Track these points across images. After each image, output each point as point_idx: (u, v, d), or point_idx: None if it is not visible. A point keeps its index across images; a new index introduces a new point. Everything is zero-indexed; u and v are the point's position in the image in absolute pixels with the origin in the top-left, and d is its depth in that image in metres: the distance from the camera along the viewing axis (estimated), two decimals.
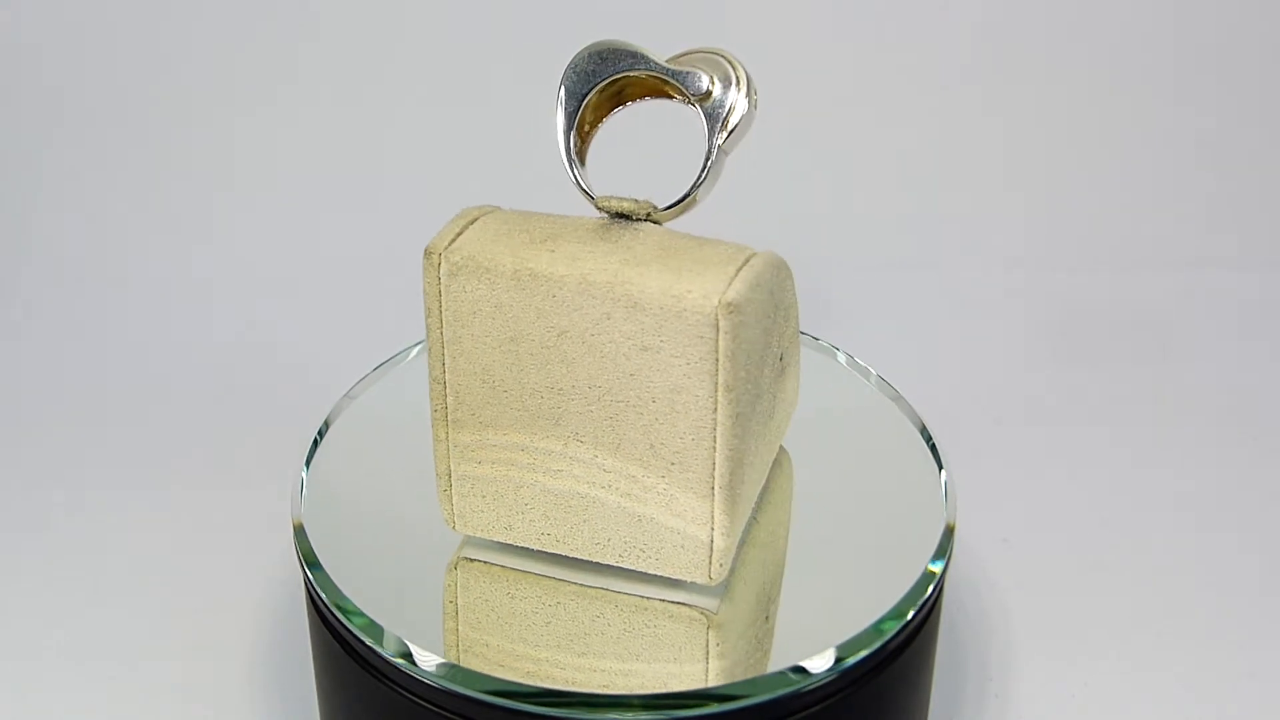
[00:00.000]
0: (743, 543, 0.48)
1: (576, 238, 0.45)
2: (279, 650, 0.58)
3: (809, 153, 0.77)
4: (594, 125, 0.47)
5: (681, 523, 0.45)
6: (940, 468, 0.51)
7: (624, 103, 0.47)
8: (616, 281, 0.43)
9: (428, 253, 0.44)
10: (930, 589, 0.46)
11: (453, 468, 0.47)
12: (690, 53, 0.45)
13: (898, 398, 0.54)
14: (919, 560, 0.47)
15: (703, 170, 0.45)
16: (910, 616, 0.45)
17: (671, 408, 0.43)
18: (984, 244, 0.77)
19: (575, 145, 0.46)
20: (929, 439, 0.52)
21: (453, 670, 0.44)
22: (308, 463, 0.51)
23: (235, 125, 0.77)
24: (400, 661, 0.44)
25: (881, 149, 0.78)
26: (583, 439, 0.45)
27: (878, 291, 0.75)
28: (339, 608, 0.45)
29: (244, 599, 0.60)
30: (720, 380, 0.42)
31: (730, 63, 0.45)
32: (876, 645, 0.45)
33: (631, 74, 0.46)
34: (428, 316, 0.45)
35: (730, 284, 0.42)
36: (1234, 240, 0.77)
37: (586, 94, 0.46)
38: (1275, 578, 0.61)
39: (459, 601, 0.46)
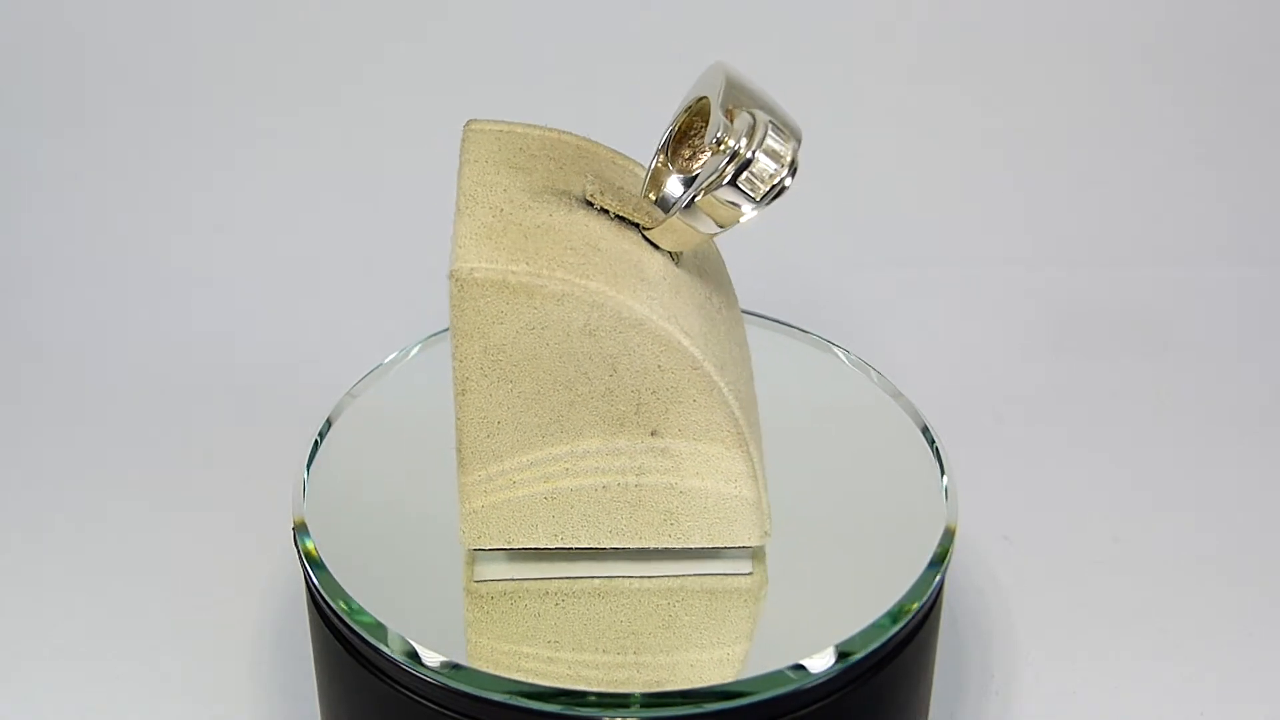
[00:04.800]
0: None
1: (540, 183, 0.46)
2: (279, 650, 0.58)
3: (808, 151, 0.77)
4: (695, 145, 0.47)
5: None
6: (941, 465, 0.51)
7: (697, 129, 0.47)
8: (462, 213, 0.45)
9: (467, 123, 0.49)
10: (931, 587, 0.46)
11: None
12: (769, 117, 0.43)
13: (899, 395, 0.54)
14: (920, 558, 0.47)
15: (671, 211, 0.44)
16: (911, 614, 0.46)
17: None
18: (983, 241, 0.77)
19: (670, 141, 0.46)
20: (930, 437, 0.52)
21: (457, 669, 0.44)
22: (309, 462, 0.51)
23: (236, 123, 0.77)
24: (404, 660, 0.44)
25: (881, 147, 0.78)
26: None
27: (877, 289, 0.75)
28: (342, 607, 0.45)
29: (244, 599, 0.60)
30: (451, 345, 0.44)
31: (750, 138, 0.42)
32: (877, 643, 0.45)
33: (704, 99, 0.45)
34: None
35: (484, 264, 0.43)
36: (1234, 235, 0.77)
37: (691, 104, 0.46)
38: (1276, 575, 0.61)
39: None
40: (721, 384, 0.44)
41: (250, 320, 0.74)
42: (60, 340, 0.73)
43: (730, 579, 0.47)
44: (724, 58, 0.47)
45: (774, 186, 0.42)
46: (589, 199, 0.46)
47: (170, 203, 0.77)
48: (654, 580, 0.47)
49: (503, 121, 0.49)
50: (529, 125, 0.49)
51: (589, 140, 0.49)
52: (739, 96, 0.44)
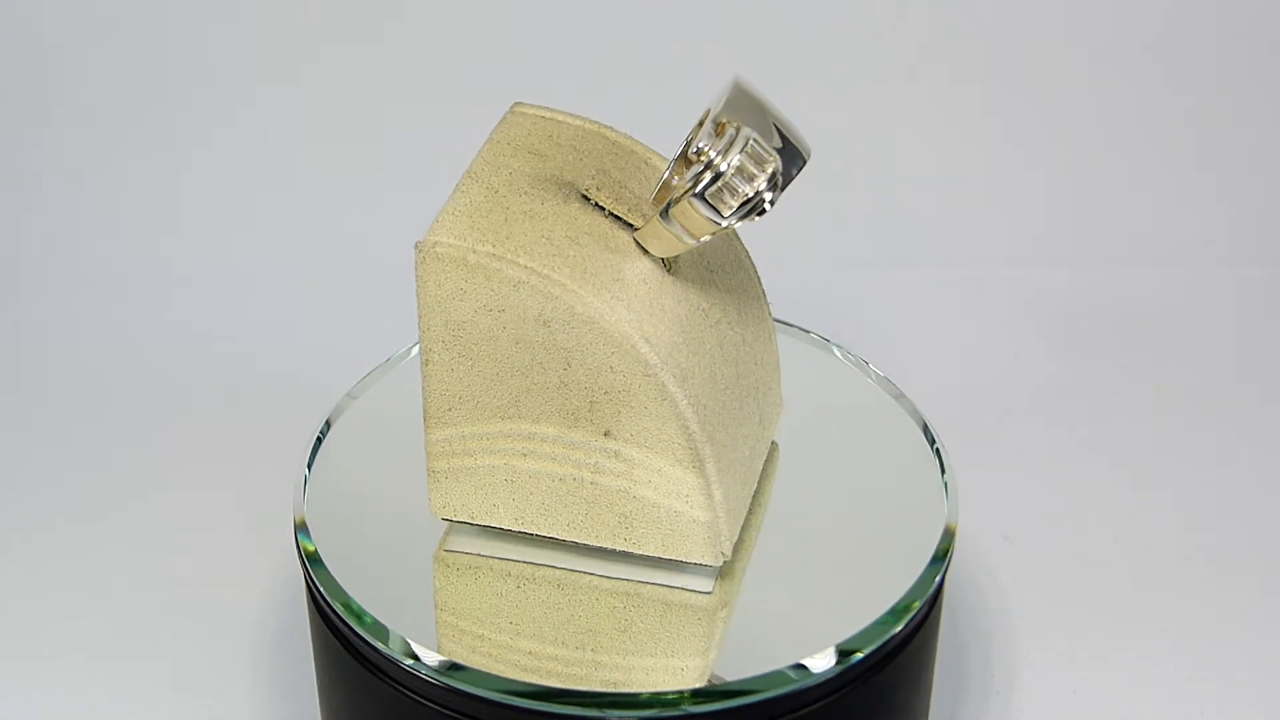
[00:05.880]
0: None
1: (549, 171, 0.46)
2: (279, 650, 0.58)
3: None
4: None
5: None
6: (941, 465, 0.51)
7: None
8: (458, 189, 0.45)
9: (513, 105, 0.49)
10: (932, 586, 0.46)
11: None
12: (754, 134, 0.42)
13: (899, 395, 0.54)
14: (920, 557, 0.47)
15: (652, 216, 0.44)
16: (911, 614, 0.45)
17: None
18: (983, 241, 0.77)
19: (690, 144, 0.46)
20: (930, 436, 0.52)
21: (457, 669, 0.44)
22: (310, 461, 0.51)
23: (235, 122, 0.77)
24: (404, 660, 0.44)
25: (881, 147, 0.78)
26: None
27: (878, 289, 0.75)
28: (342, 606, 0.46)
29: (244, 598, 0.60)
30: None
31: (726, 152, 0.42)
32: (878, 643, 0.45)
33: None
34: None
35: (451, 240, 0.43)
36: (1234, 235, 0.77)
37: (704, 117, 0.45)
38: (1277, 575, 0.61)
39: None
40: (679, 396, 0.44)
41: (250, 320, 0.74)
42: (60, 340, 0.73)
43: (689, 594, 0.46)
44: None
45: (746, 202, 0.42)
46: (585, 193, 0.46)
47: (170, 202, 0.77)
48: (612, 581, 0.47)
49: (547, 108, 0.49)
50: (571, 115, 0.48)
51: (629, 138, 0.48)
52: (743, 111, 0.43)
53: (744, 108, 0.43)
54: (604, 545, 0.46)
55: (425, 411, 0.46)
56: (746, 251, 0.50)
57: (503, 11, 0.76)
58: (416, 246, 0.44)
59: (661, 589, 0.46)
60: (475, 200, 0.45)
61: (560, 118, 0.48)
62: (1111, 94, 0.78)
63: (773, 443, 0.51)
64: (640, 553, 0.46)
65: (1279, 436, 0.68)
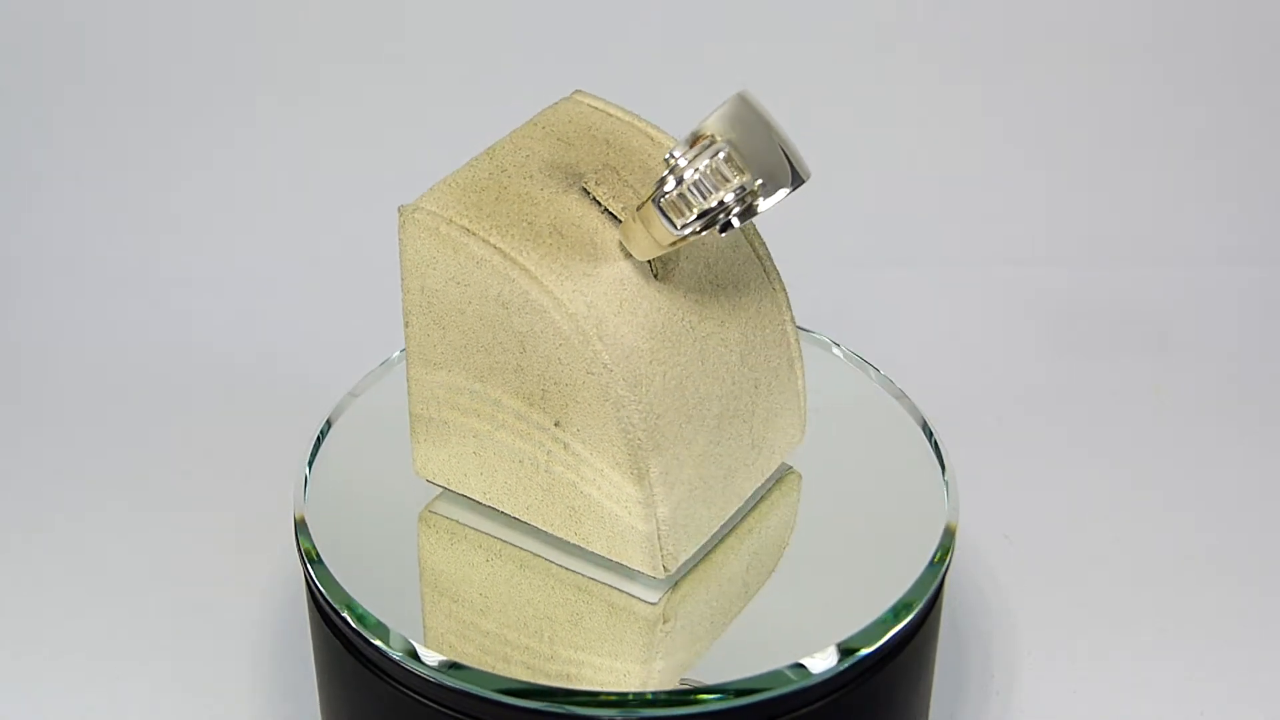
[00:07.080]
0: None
1: (567, 160, 0.46)
2: (279, 650, 0.58)
3: (806, 149, 0.77)
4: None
5: None
6: (942, 464, 0.51)
7: None
8: (469, 163, 0.46)
9: (574, 92, 0.49)
10: (932, 585, 0.46)
11: None
12: (727, 148, 0.42)
13: (900, 394, 0.54)
14: (920, 557, 0.47)
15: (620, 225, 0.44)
16: (911, 614, 0.46)
17: None
18: (984, 241, 0.77)
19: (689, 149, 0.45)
20: (931, 435, 0.52)
21: (457, 668, 0.44)
22: (310, 460, 0.51)
23: (236, 123, 0.77)
24: (404, 659, 0.44)
25: (881, 147, 0.78)
26: None
27: (878, 289, 0.75)
28: (342, 605, 0.46)
29: (244, 599, 0.60)
30: None
31: (691, 161, 0.41)
32: (878, 643, 0.45)
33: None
34: None
35: (432, 208, 0.44)
36: (1234, 235, 0.77)
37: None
38: (1277, 575, 0.61)
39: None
40: (626, 400, 0.43)
41: (250, 320, 0.74)
42: (60, 340, 0.73)
43: (634, 600, 0.46)
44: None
45: (705, 215, 0.41)
46: (584, 187, 0.45)
47: (170, 202, 0.77)
48: (568, 572, 0.47)
49: (603, 100, 0.49)
50: (624, 110, 0.48)
51: (675, 140, 0.48)
52: (740, 125, 0.42)
53: (741, 122, 0.42)
54: (557, 535, 0.47)
55: (407, 365, 0.47)
56: (777, 273, 0.48)
57: (504, 12, 0.76)
58: (399, 209, 0.44)
59: (609, 589, 0.46)
60: (477, 175, 0.45)
61: (612, 111, 0.48)
62: (1111, 94, 0.78)
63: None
64: (589, 549, 0.46)
65: (1279, 436, 0.68)
